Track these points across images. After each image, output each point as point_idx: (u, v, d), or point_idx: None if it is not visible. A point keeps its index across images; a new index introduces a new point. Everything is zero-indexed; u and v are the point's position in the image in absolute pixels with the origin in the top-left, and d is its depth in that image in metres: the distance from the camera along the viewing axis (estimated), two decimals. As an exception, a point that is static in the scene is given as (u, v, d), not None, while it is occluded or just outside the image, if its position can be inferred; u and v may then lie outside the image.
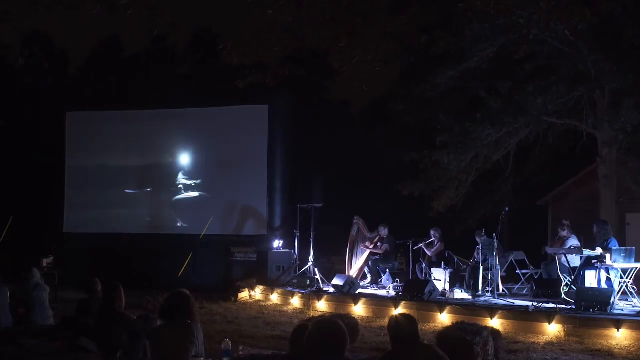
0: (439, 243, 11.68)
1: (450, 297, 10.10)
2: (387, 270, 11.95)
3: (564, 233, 10.01)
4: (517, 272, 11.23)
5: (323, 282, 11.71)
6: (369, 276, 12.20)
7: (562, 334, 8.05)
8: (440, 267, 11.14)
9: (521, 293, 10.78)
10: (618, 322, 7.82)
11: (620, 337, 7.70)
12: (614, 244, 9.28)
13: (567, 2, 9.16)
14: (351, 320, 7.62)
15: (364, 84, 9.49)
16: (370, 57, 9.00)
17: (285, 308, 11.16)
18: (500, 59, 12.38)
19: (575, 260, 9.58)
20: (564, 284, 9.34)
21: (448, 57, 11.94)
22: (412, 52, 12.38)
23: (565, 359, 7.03)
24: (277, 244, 13.30)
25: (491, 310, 8.87)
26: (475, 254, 10.83)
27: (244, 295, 12.33)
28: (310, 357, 3.29)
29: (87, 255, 13.46)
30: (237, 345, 4.91)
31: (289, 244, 13.28)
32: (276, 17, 8.51)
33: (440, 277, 10.88)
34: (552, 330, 8.16)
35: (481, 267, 10.34)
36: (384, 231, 12.08)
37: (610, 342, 7.65)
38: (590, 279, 9.28)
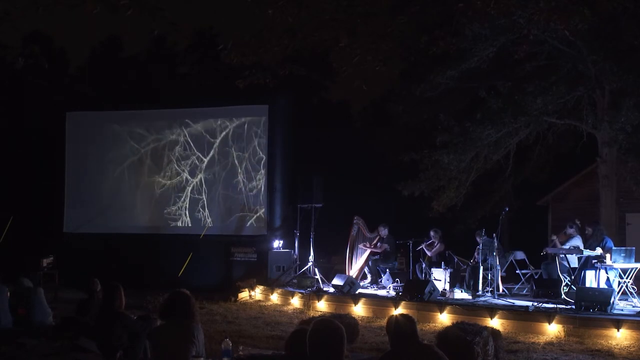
0: (439, 244, 11.66)
1: (450, 297, 10.10)
2: (387, 270, 11.94)
3: (571, 230, 9.99)
4: (517, 272, 11.24)
5: (323, 282, 11.72)
6: (369, 276, 12.19)
7: (562, 334, 8.06)
8: (440, 267, 11.14)
9: (521, 293, 10.79)
10: (618, 322, 7.82)
11: (620, 337, 7.71)
12: (610, 244, 9.29)
13: (567, 2, 9.17)
14: (351, 320, 7.73)
15: (364, 84, 9.47)
16: (370, 57, 8.99)
17: (285, 308, 11.15)
18: (500, 59, 12.38)
19: (575, 260, 9.59)
20: (564, 284, 9.34)
21: (448, 57, 11.94)
22: (412, 52, 12.38)
23: (565, 359, 7.03)
24: (277, 244, 13.30)
25: (491, 310, 8.87)
26: (475, 254, 10.82)
27: (244, 295, 12.33)
28: (309, 357, 3.30)
29: (87, 255, 13.47)
30: (237, 345, 4.90)
31: (289, 244, 13.28)
32: (276, 17, 8.50)
33: (440, 277, 10.88)
34: (552, 330, 8.16)
35: (481, 267, 10.34)
36: (383, 231, 12.07)
37: (610, 342, 7.65)
38: (590, 279, 9.28)
